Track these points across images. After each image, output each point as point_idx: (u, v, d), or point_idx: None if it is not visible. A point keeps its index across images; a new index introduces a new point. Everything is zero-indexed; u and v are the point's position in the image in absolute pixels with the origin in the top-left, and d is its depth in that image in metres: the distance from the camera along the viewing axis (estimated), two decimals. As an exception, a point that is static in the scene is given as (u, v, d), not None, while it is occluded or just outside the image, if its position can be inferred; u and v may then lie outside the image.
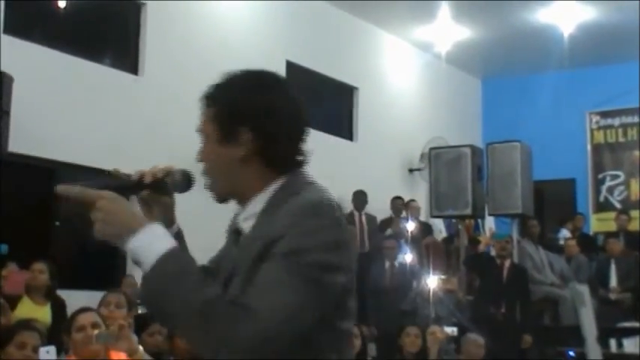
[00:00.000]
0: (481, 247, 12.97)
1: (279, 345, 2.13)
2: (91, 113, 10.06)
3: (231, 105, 2.39)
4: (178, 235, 2.58)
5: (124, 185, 2.51)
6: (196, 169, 2.50)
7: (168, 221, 2.55)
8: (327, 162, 12.91)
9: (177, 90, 10.47)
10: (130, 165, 2.69)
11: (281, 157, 2.42)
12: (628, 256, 13.26)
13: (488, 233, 13.74)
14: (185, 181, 2.53)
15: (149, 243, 2.21)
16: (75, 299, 8.05)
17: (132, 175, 2.52)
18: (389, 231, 13.34)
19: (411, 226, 13.00)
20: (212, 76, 2.44)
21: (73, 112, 9.79)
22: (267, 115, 2.38)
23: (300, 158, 2.50)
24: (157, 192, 2.55)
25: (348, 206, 13.28)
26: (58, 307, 8.04)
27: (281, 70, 12.75)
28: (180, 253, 2.23)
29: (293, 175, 2.45)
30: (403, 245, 12.33)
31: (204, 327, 2.13)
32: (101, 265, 10.60)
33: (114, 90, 10.52)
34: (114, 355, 5.53)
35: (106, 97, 10.37)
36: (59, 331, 7.09)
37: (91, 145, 9.80)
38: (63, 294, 8.33)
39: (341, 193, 12.99)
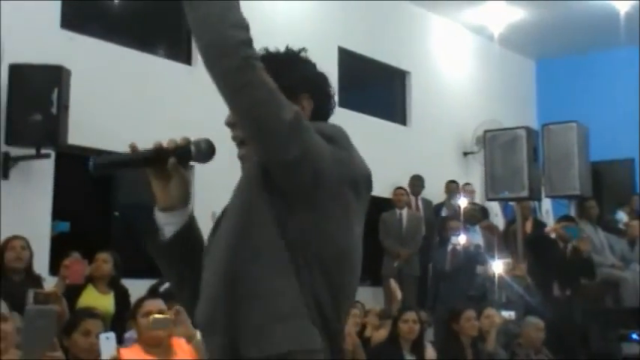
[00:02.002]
0: (548, 230, 12.90)
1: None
2: (145, 104, 10.17)
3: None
4: (191, 219, 2.67)
5: (151, 156, 2.59)
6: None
7: (185, 198, 2.64)
8: (381, 147, 13.00)
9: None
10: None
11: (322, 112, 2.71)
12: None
13: (545, 216, 13.71)
14: (209, 150, 2.58)
15: None
16: (135, 288, 8.20)
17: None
18: (444, 211, 13.34)
19: (463, 202, 12.96)
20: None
21: (128, 103, 9.89)
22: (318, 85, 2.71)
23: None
24: (182, 161, 2.59)
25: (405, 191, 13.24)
26: (121, 295, 8.14)
27: (333, 56, 12.89)
28: None
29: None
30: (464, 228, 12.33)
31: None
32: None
33: (168, 80, 10.63)
34: (175, 340, 5.64)
35: (160, 87, 10.49)
36: (122, 318, 7.27)
37: (145, 136, 9.87)
38: (124, 282, 8.44)
39: (396, 178, 13.06)
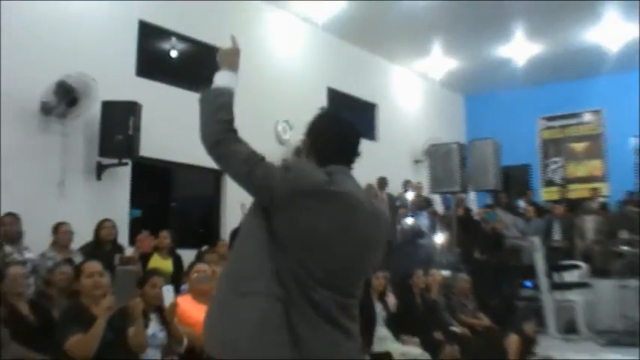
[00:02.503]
0: (474, 214, 12.92)
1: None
2: (191, 128, 10.10)
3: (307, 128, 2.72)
4: None
5: None
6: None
7: None
8: (359, 157, 12.96)
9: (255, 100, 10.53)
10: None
11: (323, 155, 2.64)
12: (566, 217, 13.19)
13: (471, 204, 13.68)
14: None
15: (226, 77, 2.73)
16: (186, 255, 8.18)
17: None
18: (397, 202, 13.32)
19: (410, 196, 12.98)
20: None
21: (180, 126, 9.86)
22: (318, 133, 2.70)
23: (340, 158, 2.66)
24: None
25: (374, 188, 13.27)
26: (177, 260, 8.12)
27: (323, 94, 12.85)
28: (229, 94, 2.66)
29: (331, 167, 2.60)
30: (417, 213, 12.37)
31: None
32: (202, 232, 10.73)
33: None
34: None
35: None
36: (178, 276, 7.28)
37: (195, 150, 9.87)
38: (179, 251, 8.41)
39: (370, 179, 13.07)
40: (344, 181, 2.54)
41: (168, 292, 5.44)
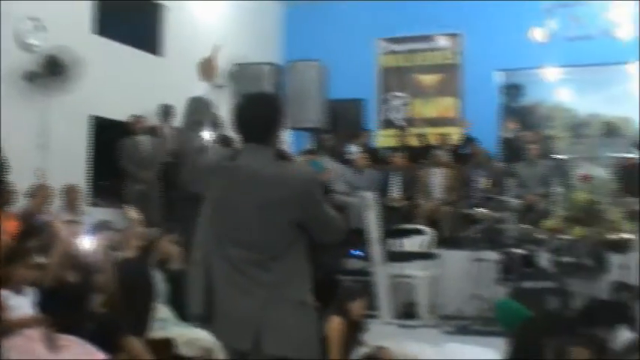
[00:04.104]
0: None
1: None
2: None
3: None
4: None
5: None
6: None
7: None
8: (133, 75, 12.69)
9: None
10: None
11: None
12: (408, 169, 13.64)
13: (285, 147, 13.76)
14: None
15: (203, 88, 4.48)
16: None
17: None
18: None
19: (206, 133, 12.83)
20: None
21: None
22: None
23: (246, 137, 4.06)
24: None
25: (154, 119, 13.08)
26: None
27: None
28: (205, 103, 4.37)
29: (242, 145, 4.10)
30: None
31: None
32: None
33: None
34: None
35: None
36: None
37: None
38: None
39: (148, 106, 12.80)
40: (244, 157, 3.95)
41: None
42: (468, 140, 14.54)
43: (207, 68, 4.32)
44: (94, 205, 11.90)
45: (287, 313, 3.91)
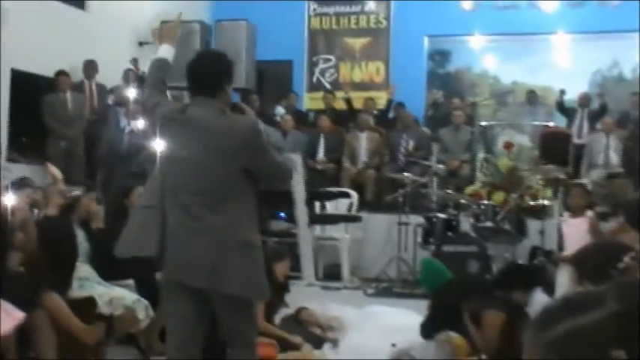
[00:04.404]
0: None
1: None
2: None
3: None
4: None
5: None
6: None
7: None
8: (57, 30, 12.45)
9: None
10: None
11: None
12: (334, 132, 13.70)
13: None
14: None
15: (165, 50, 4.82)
16: None
17: None
18: (112, 97, 13.00)
19: (132, 93, 12.61)
20: None
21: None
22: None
23: (194, 92, 4.60)
24: None
25: (79, 75, 12.89)
26: None
27: None
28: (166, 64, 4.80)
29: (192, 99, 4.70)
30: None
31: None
32: None
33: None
34: None
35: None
36: None
37: None
38: None
39: (72, 62, 12.59)
40: (193, 109, 4.46)
41: None
42: (395, 105, 14.63)
43: (169, 33, 4.84)
44: (13, 160, 11.66)
45: (236, 253, 4.32)
